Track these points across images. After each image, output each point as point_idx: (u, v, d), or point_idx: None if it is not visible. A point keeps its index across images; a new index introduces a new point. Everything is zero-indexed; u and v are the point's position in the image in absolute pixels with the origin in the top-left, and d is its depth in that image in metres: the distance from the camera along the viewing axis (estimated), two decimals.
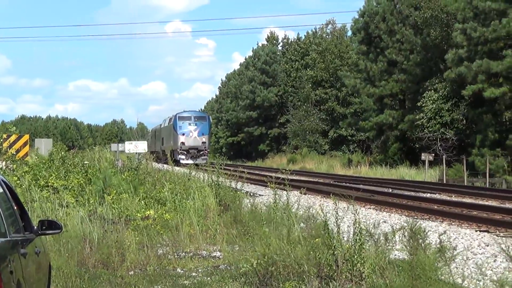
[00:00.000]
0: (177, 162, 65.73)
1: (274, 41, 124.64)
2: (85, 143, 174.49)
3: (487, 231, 18.75)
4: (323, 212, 12.49)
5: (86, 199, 18.92)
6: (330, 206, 15.44)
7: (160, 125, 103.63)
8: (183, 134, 79.36)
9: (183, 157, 76.45)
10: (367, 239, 12.18)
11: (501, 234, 17.64)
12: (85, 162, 24.94)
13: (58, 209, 17.33)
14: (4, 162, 23.75)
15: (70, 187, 20.16)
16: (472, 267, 12.20)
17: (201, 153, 78.44)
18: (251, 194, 26.58)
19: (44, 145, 37.13)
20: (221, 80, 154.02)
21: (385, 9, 70.51)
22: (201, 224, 18.00)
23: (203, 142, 79.76)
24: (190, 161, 65.89)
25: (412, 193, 33.61)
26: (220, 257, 15.34)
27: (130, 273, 13.36)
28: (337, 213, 12.39)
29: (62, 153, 25.37)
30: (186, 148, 78.31)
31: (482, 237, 17.54)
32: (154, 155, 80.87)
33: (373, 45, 72.11)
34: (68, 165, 23.25)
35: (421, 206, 25.91)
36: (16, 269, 7.23)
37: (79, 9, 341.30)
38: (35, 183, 19.89)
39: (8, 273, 6.82)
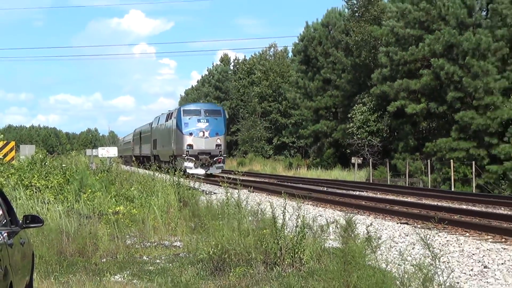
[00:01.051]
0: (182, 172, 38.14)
1: (227, 62, 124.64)
2: (64, 149, 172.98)
3: (407, 223, 18.93)
4: (272, 207, 12.51)
5: (64, 196, 18.74)
6: (274, 202, 15.48)
7: (150, 124, 72.52)
8: (191, 134, 49.47)
9: (191, 165, 48.18)
10: (307, 230, 12.23)
11: (419, 226, 17.77)
12: (63, 165, 24.75)
13: (40, 205, 17.14)
14: None
15: (50, 186, 19.97)
16: (395, 254, 12.27)
17: (215, 159, 49.19)
18: (207, 192, 26.51)
19: (28, 151, 36.76)
20: (181, 95, 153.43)
21: (321, 34, 71.79)
22: (164, 218, 17.96)
23: (218, 145, 49.82)
24: (201, 171, 46.83)
25: (344, 191, 33.65)
26: (180, 246, 15.27)
27: (102, 260, 13.25)
28: (284, 208, 12.45)
29: (40, 156, 25.24)
30: (195, 153, 48.89)
31: (402, 228, 17.69)
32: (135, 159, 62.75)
33: (311, 65, 73.56)
34: (49, 168, 23.08)
35: (351, 202, 26.10)
36: (4, 257, 7.15)
37: (58, 33, 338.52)
38: (20, 183, 19.70)
39: None
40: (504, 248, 14.03)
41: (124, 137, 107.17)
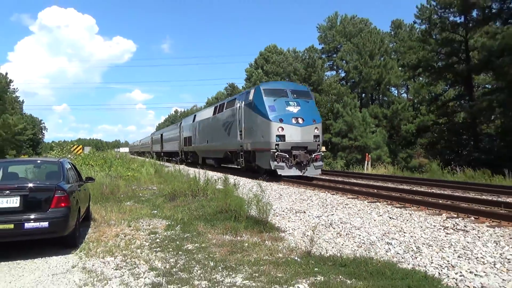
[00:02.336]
0: (267, 174, 15.87)
1: (177, 113, 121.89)
2: (105, 148, 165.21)
3: (251, 178, 18.91)
4: (195, 172, 12.28)
5: (104, 168, 17.96)
6: (195, 170, 15.24)
7: (178, 124, 33.46)
8: (281, 121, 13.07)
9: (283, 164, 13.60)
10: (209, 181, 12.09)
11: (255, 179, 17.84)
12: (103, 155, 23.76)
13: (93, 173, 16.28)
14: (71, 156, 22.69)
15: (98, 164, 19.09)
16: (246, 190, 12.26)
17: (313, 156, 13.56)
18: (166, 166, 25.67)
19: (88, 149, 34.98)
20: (156, 126, 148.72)
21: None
22: (148, 177, 17.45)
23: (316, 136, 13.71)
24: (296, 172, 14.57)
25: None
26: (156, 189, 14.73)
27: (121, 196, 12.63)
28: (199, 173, 12.23)
29: (93, 151, 24.60)
30: (288, 147, 13.22)
31: (249, 181, 17.71)
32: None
33: None
34: (96, 156, 22.26)
35: (226, 168, 25.89)
36: (76, 195, 6.77)
37: (102, 98, 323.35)
38: (83, 163, 18.77)
39: (73, 197, 6.38)
40: (288, 187, 14.23)
41: (141, 139, 72.66)
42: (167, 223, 8.32)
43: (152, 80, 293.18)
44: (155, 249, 6.42)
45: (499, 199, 10.76)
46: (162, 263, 5.72)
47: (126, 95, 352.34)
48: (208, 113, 24.09)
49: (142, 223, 8.48)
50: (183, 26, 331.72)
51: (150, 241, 6.94)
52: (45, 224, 5.81)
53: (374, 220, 8.06)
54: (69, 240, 6.39)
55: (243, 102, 17.38)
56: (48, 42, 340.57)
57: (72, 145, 27.57)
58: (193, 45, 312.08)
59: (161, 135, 45.59)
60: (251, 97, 16.42)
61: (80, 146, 28.31)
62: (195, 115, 28.27)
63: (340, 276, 4.90)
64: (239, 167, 18.58)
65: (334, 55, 51.85)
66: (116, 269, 5.55)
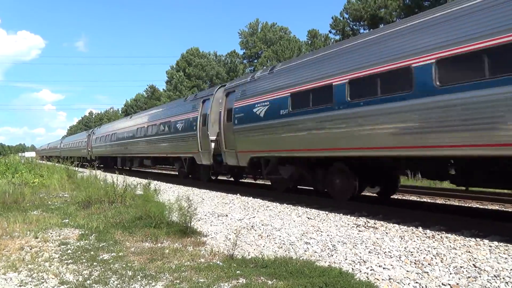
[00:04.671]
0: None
1: (91, 115, 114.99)
2: (7, 153, 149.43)
3: (173, 183, 18.51)
4: (111, 177, 11.64)
5: (7, 175, 16.21)
6: (113, 175, 14.45)
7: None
8: None
9: None
10: (128, 187, 11.56)
11: (185, 187, 17.47)
12: (6, 161, 21.44)
13: None
14: None
15: None
16: (166, 197, 11.95)
17: None
18: (80, 171, 23.97)
19: None
20: (67, 129, 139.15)
21: (133, 104, 68.29)
22: (60, 184, 16.08)
23: None
24: None
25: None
26: (67, 196, 13.68)
27: (27, 205, 11.49)
28: (117, 178, 11.65)
29: None
30: None
31: (170, 185, 17.27)
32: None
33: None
34: None
35: (148, 173, 25.06)
36: None
37: (4, 98, 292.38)
38: None
39: None
40: (210, 191, 14.19)
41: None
42: (80, 233, 7.75)
43: (63, 79, 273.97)
44: (66, 261, 5.94)
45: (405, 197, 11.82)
46: (74, 276, 5.30)
47: (33, 95, 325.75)
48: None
49: (51, 233, 7.78)
50: (100, 24, 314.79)
51: (60, 252, 6.40)
52: None
53: (294, 221, 8.33)
54: None
55: None
56: None
57: None
58: (110, 45, 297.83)
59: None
60: None
61: None
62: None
63: (262, 277, 4.97)
64: None
65: (255, 61, 52.97)
66: (20, 286, 5.03)
